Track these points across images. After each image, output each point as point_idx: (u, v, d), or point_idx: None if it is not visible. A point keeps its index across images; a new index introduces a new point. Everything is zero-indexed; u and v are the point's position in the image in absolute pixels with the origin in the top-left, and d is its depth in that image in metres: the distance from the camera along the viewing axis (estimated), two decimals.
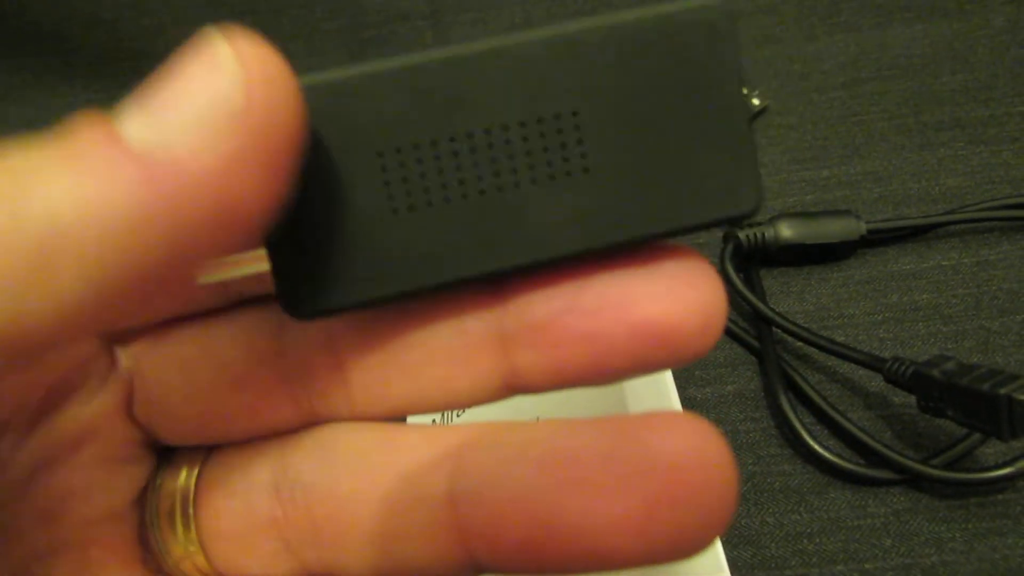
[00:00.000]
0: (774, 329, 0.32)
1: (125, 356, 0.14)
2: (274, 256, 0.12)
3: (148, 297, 0.09)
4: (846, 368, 0.32)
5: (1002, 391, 0.24)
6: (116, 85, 0.43)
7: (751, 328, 0.33)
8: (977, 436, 0.28)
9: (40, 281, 0.09)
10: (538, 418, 0.21)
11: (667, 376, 0.27)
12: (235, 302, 0.14)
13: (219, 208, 0.09)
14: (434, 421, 0.26)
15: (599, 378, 0.12)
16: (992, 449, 0.29)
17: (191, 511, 0.14)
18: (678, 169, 0.12)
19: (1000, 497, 0.28)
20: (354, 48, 0.43)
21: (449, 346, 0.13)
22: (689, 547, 0.11)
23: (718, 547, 0.24)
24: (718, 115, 0.12)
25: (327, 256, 0.12)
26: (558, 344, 0.12)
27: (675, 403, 0.27)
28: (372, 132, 0.12)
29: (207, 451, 0.15)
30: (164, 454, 0.15)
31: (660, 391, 0.27)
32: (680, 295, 0.12)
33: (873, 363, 0.29)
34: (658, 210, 0.12)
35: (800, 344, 0.32)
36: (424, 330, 0.13)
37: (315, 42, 0.43)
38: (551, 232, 0.12)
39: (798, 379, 0.31)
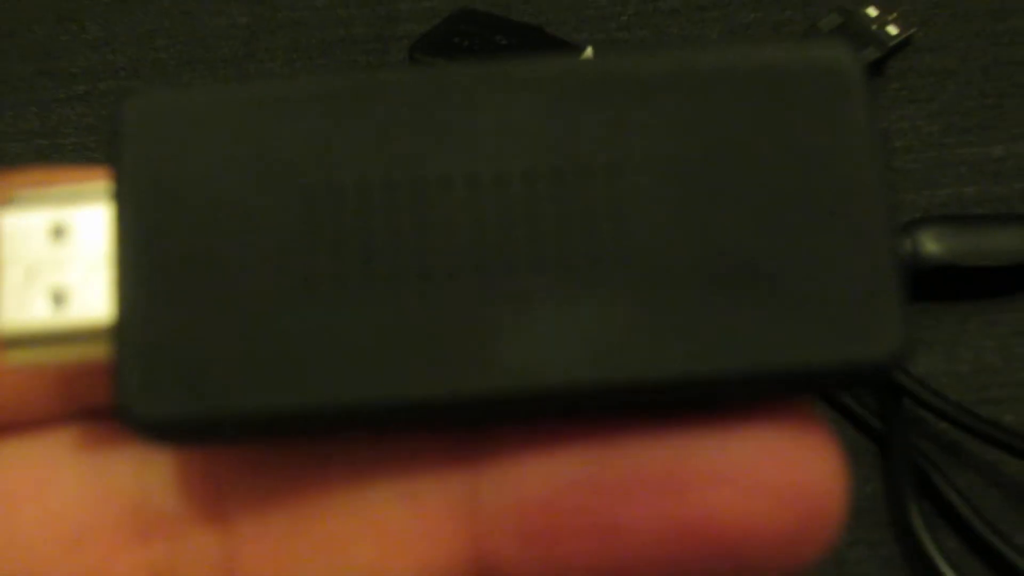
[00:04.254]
0: (905, 401, 0.27)
1: None
2: (121, 335, 0.10)
3: None
4: (1015, 467, 0.27)
5: None
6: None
7: (869, 399, 0.28)
8: None
9: None
10: None
11: None
12: (87, 413, 0.12)
13: None
14: None
15: None
16: None
17: None
18: (764, 280, 0.10)
19: None
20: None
21: (389, 516, 0.11)
22: None
23: None
24: (839, 206, 0.10)
25: (198, 342, 0.10)
26: (561, 533, 0.10)
27: None
28: (299, 162, 0.10)
29: None
30: None
31: None
32: (766, 477, 0.10)
33: None
34: (725, 340, 0.10)
35: (946, 426, 0.27)
36: (354, 489, 0.11)
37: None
38: (553, 349, 0.10)
39: (940, 482, 0.27)
